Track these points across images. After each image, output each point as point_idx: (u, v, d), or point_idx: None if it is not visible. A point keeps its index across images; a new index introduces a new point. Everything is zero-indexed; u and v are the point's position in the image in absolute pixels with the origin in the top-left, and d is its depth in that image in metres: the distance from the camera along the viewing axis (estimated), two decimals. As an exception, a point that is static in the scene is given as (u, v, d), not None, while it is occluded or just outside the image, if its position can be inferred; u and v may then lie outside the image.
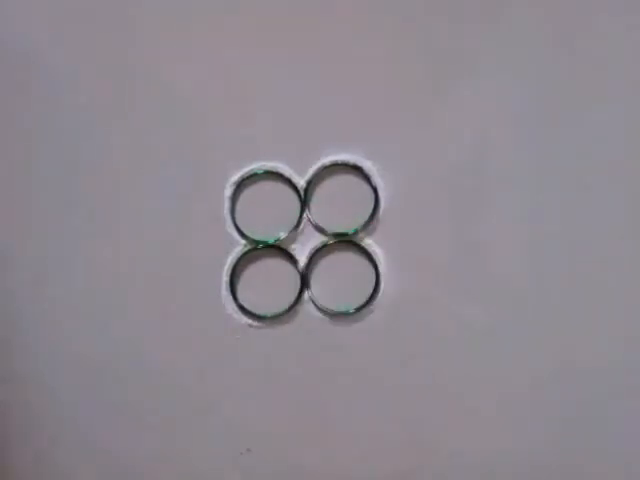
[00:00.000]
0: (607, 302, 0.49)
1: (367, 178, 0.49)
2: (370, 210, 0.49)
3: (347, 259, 0.49)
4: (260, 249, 0.49)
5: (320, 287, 0.50)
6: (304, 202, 0.49)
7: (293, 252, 0.49)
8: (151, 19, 0.48)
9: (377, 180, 0.49)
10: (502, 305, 0.49)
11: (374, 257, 0.49)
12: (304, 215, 0.49)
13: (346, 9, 0.48)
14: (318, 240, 0.49)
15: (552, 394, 0.50)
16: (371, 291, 0.49)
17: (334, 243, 0.49)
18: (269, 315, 0.49)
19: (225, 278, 0.49)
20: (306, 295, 0.50)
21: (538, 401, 0.50)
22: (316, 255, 0.49)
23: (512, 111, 0.48)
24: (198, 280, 0.49)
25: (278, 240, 0.49)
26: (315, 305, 0.50)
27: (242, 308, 0.49)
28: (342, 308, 0.50)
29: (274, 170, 0.49)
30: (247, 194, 0.49)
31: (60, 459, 0.51)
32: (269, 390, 0.50)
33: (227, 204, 0.49)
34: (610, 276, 0.49)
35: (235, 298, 0.49)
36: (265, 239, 0.49)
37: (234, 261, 0.49)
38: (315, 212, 0.49)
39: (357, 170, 0.49)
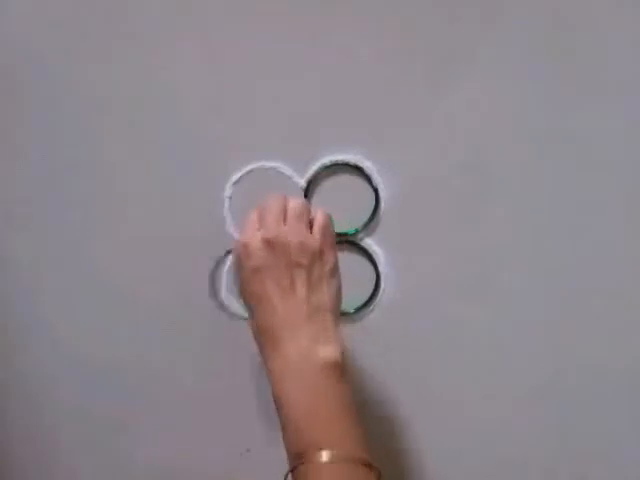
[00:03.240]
0: (607, 302, 0.49)
1: (367, 178, 0.49)
2: (370, 210, 0.49)
3: (347, 259, 0.49)
4: (260, 249, 0.49)
5: (320, 287, 0.50)
6: (304, 202, 0.49)
7: (293, 252, 0.49)
8: (151, 19, 0.48)
9: (377, 180, 0.49)
10: (502, 305, 0.49)
11: (374, 257, 0.49)
12: (304, 215, 0.49)
13: (346, 9, 0.48)
14: (318, 240, 0.49)
15: (552, 395, 0.50)
16: (371, 291, 0.49)
17: (334, 243, 0.49)
18: (269, 315, 0.49)
19: (225, 278, 0.49)
20: (306, 295, 0.50)
21: (538, 401, 0.50)
22: (316, 255, 0.49)
23: (512, 110, 0.48)
24: (198, 280, 0.49)
25: (278, 240, 0.49)
26: (315, 305, 0.49)
27: (242, 308, 0.49)
28: (342, 308, 0.49)
29: (274, 170, 0.49)
30: (247, 194, 0.49)
31: (60, 459, 0.51)
32: (269, 390, 0.50)
33: (227, 204, 0.49)
34: (610, 276, 0.49)
35: (235, 298, 0.49)
36: (265, 239, 0.49)
37: (234, 261, 0.49)
38: (315, 212, 0.49)
39: (357, 170, 0.49)
